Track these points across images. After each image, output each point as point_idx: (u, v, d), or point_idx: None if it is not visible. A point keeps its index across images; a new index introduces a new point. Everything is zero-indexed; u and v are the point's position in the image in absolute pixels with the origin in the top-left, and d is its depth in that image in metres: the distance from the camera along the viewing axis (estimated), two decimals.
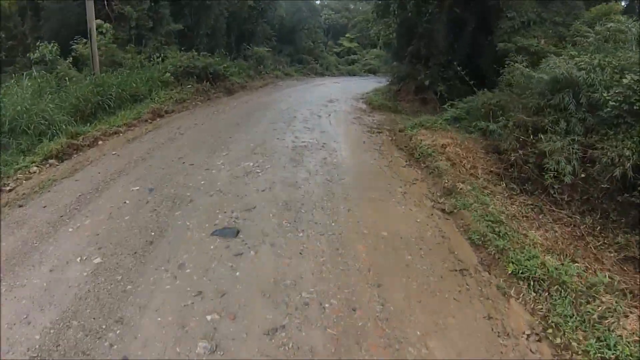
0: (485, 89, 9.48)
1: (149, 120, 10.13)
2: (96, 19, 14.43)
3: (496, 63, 11.71)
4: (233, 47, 20.49)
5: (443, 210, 5.68)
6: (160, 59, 13.97)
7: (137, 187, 5.60)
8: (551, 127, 6.18)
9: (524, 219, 5.51)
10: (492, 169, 6.99)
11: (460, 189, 6.05)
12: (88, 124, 8.90)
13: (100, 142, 8.10)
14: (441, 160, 7.13)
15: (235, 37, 20.70)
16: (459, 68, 13.33)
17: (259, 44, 22.97)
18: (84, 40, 14.13)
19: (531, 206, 5.74)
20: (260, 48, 22.70)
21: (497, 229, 4.74)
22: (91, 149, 7.69)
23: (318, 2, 39.93)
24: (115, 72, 12.04)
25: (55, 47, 11.65)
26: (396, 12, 12.92)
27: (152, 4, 15.49)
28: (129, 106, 10.77)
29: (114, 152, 7.37)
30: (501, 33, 11.42)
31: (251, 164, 6.49)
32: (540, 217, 5.67)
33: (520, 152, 6.57)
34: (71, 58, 12.85)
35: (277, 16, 28.22)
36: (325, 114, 11.56)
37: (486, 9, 12.94)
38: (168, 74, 12.64)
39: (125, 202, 5.10)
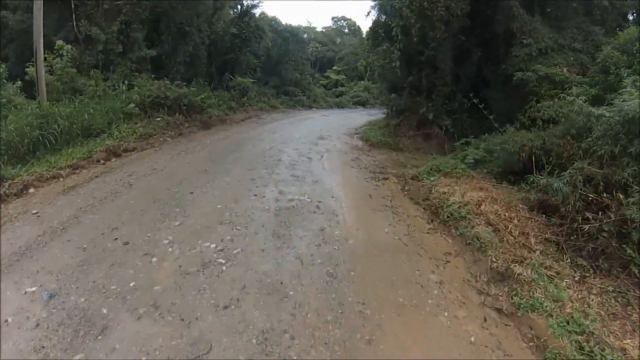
0: (508, 125, 7.79)
1: (102, 161, 8.03)
2: (64, 40, 12.57)
3: (509, 95, 10.10)
4: (215, 77, 18.63)
5: (500, 311, 3.77)
6: (125, 87, 11.93)
7: (34, 288, 3.44)
8: (632, 183, 4.44)
9: (610, 317, 3.69)
10: (546, 235, 5.05)
11: (518, 274, 4.11)
12: (20, 166, 6.82)
13: (31, 190, 6.13)
14: (479, 224, 5.17)
15: (217, 66, 18.86)
16: (468, 100, 11.77)
17: (243, 74, 21.20)
18: (44, 62, 12.18)
19: (614, 294, 3.94)
20: (245, 79, 20.94)
21: (588, 347, 3.21)
22: (16, 201, 5.67)
23: (305, 35, 38.82)
24: (70, 101, 9.95)
25: (1, 69, 9.52)
26: (399, 37, 11.18)
27: (123, 27, 13.56)
28: (80, 142, 8.63)
29: (34, 212, 5.22)
30: (517, 61, 9.79)
31: (213, 245, 4.25)
32: (631, 314, 3.76)
33: (589, 215, 4.66)
34: (20, 82, 10.80)
35: (262, 47, 26.69)
36: (316, 154, 9.54)
37: (493, 37, 11.40)
38: (132, 105, 10.53)
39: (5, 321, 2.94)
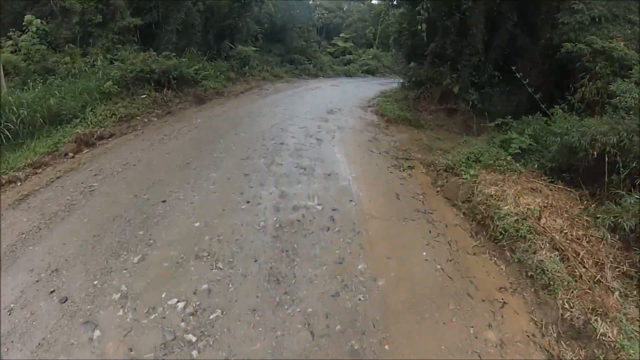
0: (556, 107, 6.27)
1: (70, 154, 6.56)
2: (39, 15, 10.97)
3: (549, 70, 8.39)
4: (212, 46, 16.75)
5: None
6: (105, 62, 10.35)
7: None
8: None
9: None
10: (624, 267, 3.62)
11: (601, 333, 2.89)
12: None
13: None
14: (542, 248, 3.73)
15: (215, 34, 16.92)
16: (500, 72, 10.10)
17: (244, 42, 19.30)
18: (10, 41, 10.60)
19: None
20: (246, 47, 19.07)
21: None
22: None
23: (311, 1, 36.13)
24: (36, 84, 8.44)
25: None
26: None
27: None
28: (46, 133, 7.20)
29: None
30: (565, 30, 7.99)
31: (181, 304, 2.81)
32: None
33: None
34: None
35: (265, 13, 24.54)
36: (327, 134, 7.98)
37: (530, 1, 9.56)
38: (110, 83, 8.96)
39: None
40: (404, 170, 6.32)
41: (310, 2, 32.67)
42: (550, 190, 4.87)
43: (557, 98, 7.05)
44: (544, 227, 4.03)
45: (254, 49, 20.06)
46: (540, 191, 4.83)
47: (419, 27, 9.57)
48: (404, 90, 12.94)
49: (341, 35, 35.30)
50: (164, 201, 4.40)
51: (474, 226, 4.46)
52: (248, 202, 4.50)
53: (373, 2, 39.19)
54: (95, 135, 7.33)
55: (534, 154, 6.09)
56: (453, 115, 10.72)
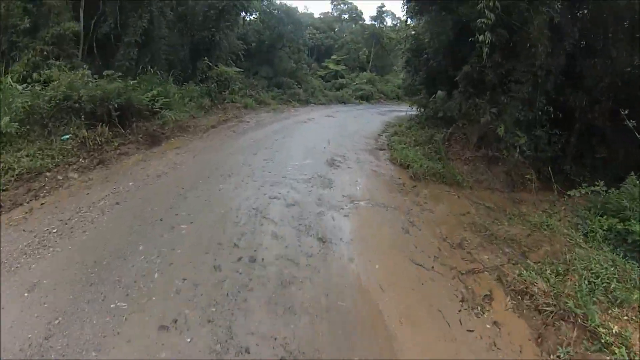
0: None
1: None
2: None
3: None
4: (187, 64, 13.76)
5: None
6: (22, 85, 7.29)
7: None
8: None
9: None
10: None
11: None
12: None
13: None
14: None
15: (190, 49, 13.91)
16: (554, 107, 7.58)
17: (225, 61, 16.40)
18: None
19: None
20: (229, 67, 16.17)
21: None
22: None
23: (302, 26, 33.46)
24: None
25: None
26: None
27: None
28: None
29: None
30: None
31: None
32: None
33: None
34: None
35: (252, 30, 21.77)
36: (334, 222, 4.86)
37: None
38: (7, 119, 5.80)
39: None
40: (481, 310, 3.32)
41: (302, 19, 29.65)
42: None
43: None
44: None
45: (237, 70, 17.14)
46: None
47: (480, 37, 6.59)
48: (424, 126, 10.07)
49: (333, 57, 32.67)
50: None
51: None
52: None
53: (366, 22, 36.91)
54: None
55: None
56: (494, 165, 7.91)
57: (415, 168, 7.26)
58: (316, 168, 7.00)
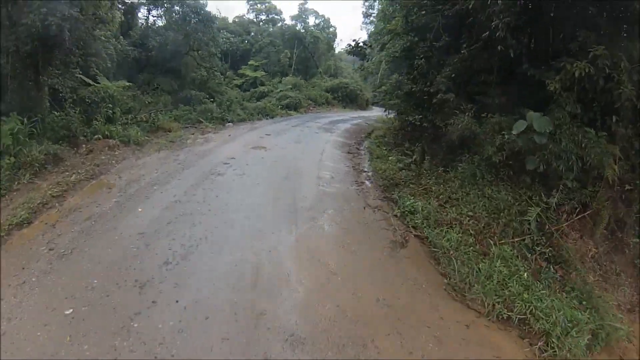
0: None
1: None
2: None
3: None
4: (26, 78, 8.46)
5: None
6: None
7: None
8: None
9: None
10: None
11: None
12: None
13: None
14: None
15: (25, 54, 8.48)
16: None
17: (108, 72, 11.38)
18: None
19: None
20: (119, 82, 11.15)
21: None
22: None
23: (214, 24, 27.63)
24: None
25: None
26: None
27: None
28: None
29: None
30: None
31: None
32: None
33: None
34: None
35: (152, 32, 16.62)
36: None
37: None
38: None
39: None
40: None
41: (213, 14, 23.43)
42: None
43: None
44: None
45: (126, 84, 12.08)
46: None
47: None
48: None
49: (250, 62, 28.17)
50: None
51: None
52: None
53: (287, 22, 32.76)
54: None
55: None
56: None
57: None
58: None
